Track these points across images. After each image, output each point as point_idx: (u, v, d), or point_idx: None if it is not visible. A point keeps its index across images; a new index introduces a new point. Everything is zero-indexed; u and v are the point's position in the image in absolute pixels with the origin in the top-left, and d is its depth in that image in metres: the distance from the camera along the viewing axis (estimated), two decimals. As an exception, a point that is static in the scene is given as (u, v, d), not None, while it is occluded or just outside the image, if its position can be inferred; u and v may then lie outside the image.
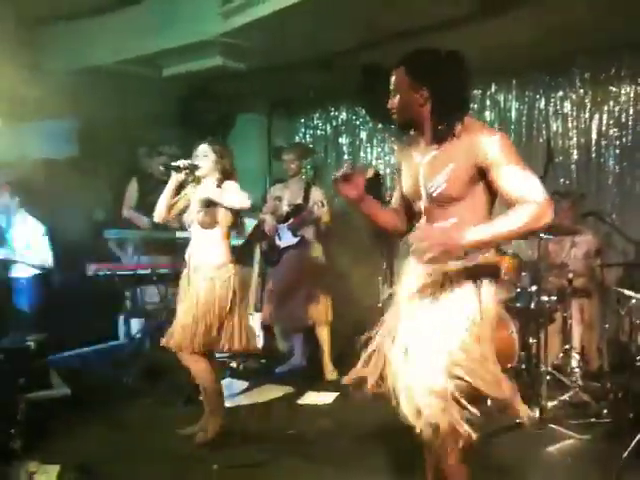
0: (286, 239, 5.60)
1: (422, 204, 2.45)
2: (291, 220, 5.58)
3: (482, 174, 2.29)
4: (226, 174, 3.93)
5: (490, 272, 2.38)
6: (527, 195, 2.17)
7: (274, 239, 5.68)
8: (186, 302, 3.85)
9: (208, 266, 3.84)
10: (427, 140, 2.43)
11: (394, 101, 2.43)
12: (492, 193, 2.33)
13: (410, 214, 2.63)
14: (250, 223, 5.71)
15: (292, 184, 5.75)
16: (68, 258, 6.05)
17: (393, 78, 2.42)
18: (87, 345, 6.07)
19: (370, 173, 5.26)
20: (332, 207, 5.65)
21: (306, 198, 5.58)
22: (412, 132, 2.51)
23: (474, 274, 2.34)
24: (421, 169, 2.43)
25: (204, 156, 3.90)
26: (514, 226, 2.15)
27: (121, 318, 6.10)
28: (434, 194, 2.36)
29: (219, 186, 3.87)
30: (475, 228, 2.17)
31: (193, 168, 3.89)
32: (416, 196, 2.47)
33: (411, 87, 2.36)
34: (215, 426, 3.89)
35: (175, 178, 3.93)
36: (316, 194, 5.53)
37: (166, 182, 5.70)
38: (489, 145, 2.25)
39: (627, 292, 4.17)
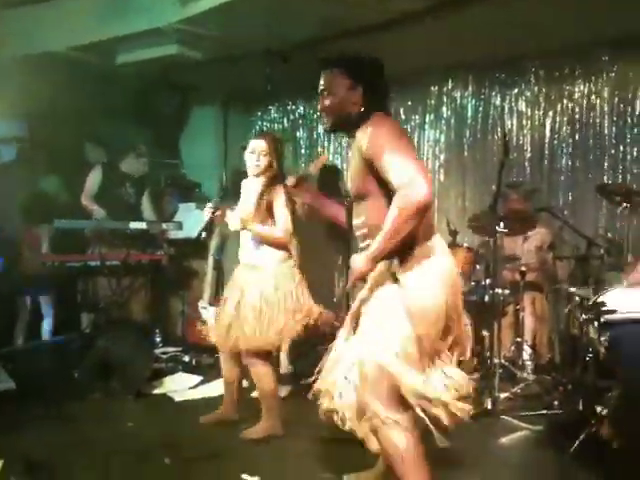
0: None
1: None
2: None
3: (373, 169, 2.30)
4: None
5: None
6: (396, 182, 2.17)
7: None
8: (246, 301, 3.70)
9: (268, 263, 3.73)
10: (352, 137, 2.47)
11: (326, 102, 2.48)
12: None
13: None
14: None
15: None
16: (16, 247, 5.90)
17: (326, 80, 2.48)
18: (36, 338, 5.93)
19: (323, 160, 5.20)
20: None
21: None
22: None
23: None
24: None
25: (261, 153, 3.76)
26: (393, 223, 2.16)
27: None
28: (350, 192, 2.47)
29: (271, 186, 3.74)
30: (372, 247, 2.26)
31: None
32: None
33: (348, 86, 2.43)
34: (267, 426, 3.77)
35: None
36: None
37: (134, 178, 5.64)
38: (366, 139, 2.28)
39: (571, 289, 4.27)
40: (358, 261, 2.31)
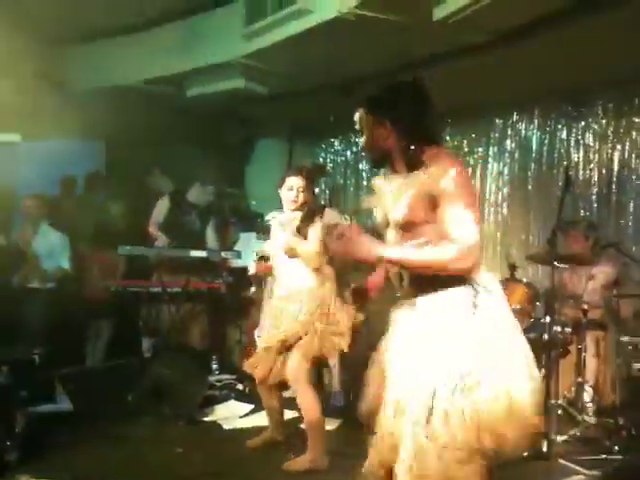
0: None
1: (390, 233, 2.46)
2: None
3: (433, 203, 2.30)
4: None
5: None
6: (456, 236, 2.20)
7: None
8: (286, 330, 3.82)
9: (302, 292, 3.83)
10: (394, 170, 2.47)
11: (363, 140, 2.49)
12: None
13: None
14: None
15: None
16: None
17: (357, 119, 2.48)
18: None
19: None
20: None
21: None
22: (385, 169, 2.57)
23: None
24: (388, 197, 2.47)
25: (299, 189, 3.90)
26: (429, 260, 2.21)
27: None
28: (397, 220, 2.39)
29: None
30: (395, 248, 2.29)
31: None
32: (384, 225, 2.50)
33: (374, 123, 2.41)
34: (312, 459, 3.75)
35: None
36: None
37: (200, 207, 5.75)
38: (443, 177, 2.26)
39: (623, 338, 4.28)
40: (372, 246, 2.25)
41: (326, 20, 5.03)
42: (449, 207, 2.24)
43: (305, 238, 3.82)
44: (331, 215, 5.53)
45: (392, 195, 2.45)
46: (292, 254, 3.83)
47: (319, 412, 3.82)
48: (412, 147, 2.37)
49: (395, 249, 2.28)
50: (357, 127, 2.49)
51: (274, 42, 5.55)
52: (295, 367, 3.76)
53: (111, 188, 7.05)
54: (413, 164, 2.38)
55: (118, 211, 6.83)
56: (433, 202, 2.29)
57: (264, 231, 6.70)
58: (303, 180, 3.90)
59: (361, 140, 2.52)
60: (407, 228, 2.37)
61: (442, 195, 2.25)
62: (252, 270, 4.21)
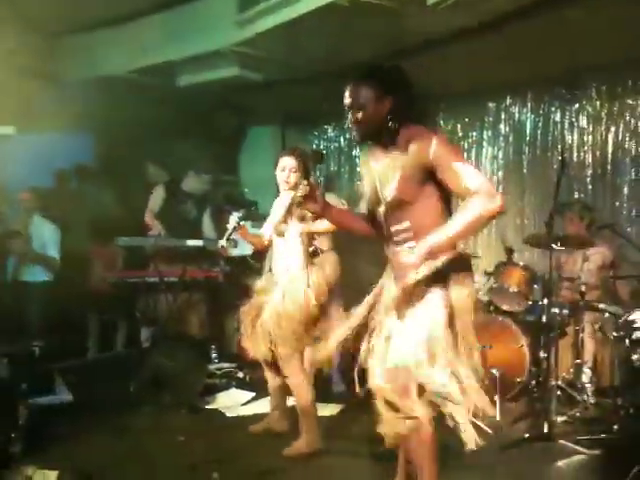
0: None
1: (381, 209, 2.56)
2: None
3: (430, 175, 2.40)
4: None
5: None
6: (473, 187, 2.28)
7: None
8: (281, 311, 3.77)
9: (290, 272, 3.81)
10: (382, 148, 2.56)
11: (358, 116, 2.50)
12: (444, 190, 2.44)
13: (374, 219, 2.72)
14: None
15: None
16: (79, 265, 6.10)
17: (353, 95, 2.49)
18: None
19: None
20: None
21: None
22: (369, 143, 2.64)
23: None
24: (377, 176, 2.56)
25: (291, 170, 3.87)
26: (467, 221, 2.27)
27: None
28: (388, 199, 2.49)
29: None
30: (432, 236, 2.30)
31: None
32: (376, 202, 2.59)
33: (375, 99, 2.46)
34: (308, 441, 3.77)
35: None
36: None
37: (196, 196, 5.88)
38: (430, 147, 2.36)
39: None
40: (411, 256, 2.32)
41: (320, 6, 5.00)
42: (450, 168, 2.33)
43: (301, 215, 3.79)
44: (331, 200, 5.51)
45: (382, 173, 2.53)
46: (279, 233, 3.84)
47: (310, 396, 3.83)
48: (402, 124, 2.46)
49: (434, 236, 2.30)
50: (348, 100, 2.50)
51: (267, 29, 5.51)
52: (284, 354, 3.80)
53: (101, 180, 7.02)
54: (400, 141, 2.47)
55: (112, 203, 6.81)
56: (425, 175, 2.39)
57: (260, 219, 6.71)
58: (295, 160, 3.88)
59: (352, 115, 2.51)
60: (397, 206, 2.48)
61: (437, 163, 2.35)
62: (232, 225, 4.10)
